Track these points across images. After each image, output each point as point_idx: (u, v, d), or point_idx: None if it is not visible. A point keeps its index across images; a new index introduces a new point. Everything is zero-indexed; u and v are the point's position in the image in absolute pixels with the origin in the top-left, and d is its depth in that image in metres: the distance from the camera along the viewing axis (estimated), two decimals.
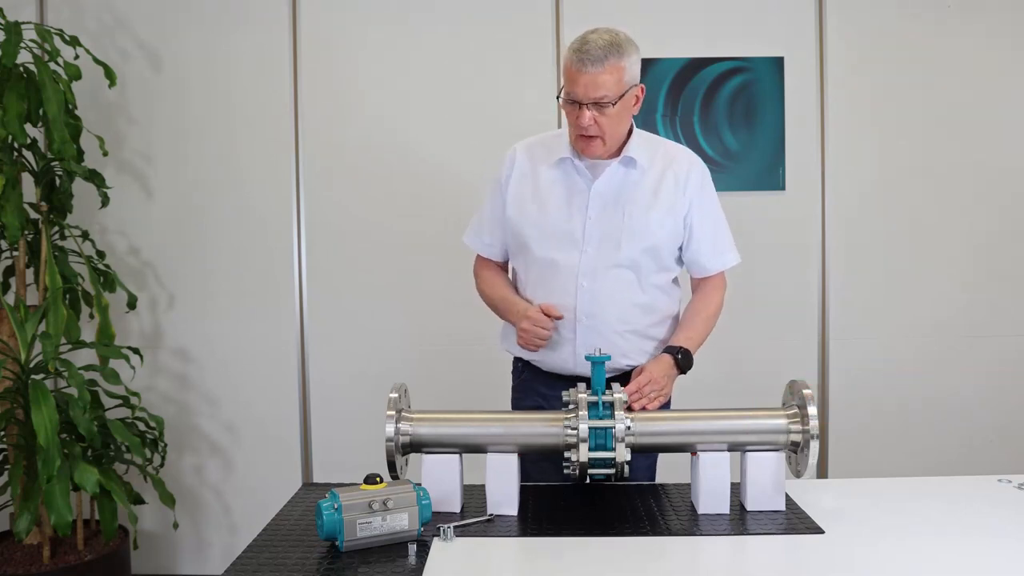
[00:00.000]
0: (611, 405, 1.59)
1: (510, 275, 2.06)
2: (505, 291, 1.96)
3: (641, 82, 1.82)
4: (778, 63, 3.12)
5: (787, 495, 1.64)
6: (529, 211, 1.90)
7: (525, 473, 1.75)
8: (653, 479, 1.95)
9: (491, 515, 1.60)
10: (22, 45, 2.65)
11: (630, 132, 1.88)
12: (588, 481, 1.63)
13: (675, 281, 1.99)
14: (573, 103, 1.77)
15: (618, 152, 1.87)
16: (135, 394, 2.82)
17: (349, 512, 1.43)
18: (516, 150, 1.97)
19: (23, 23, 2.69)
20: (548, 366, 1.93)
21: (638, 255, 1.86)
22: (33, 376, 2.62)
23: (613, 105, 1.76)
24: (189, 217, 3.15)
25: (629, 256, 1.85)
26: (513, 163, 1.95)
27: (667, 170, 1.89)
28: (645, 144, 1.91)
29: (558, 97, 1.82)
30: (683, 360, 1.83)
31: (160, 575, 3.22)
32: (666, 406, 2.00)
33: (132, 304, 2.96)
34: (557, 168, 1.90)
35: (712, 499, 1.60)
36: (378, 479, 1.49)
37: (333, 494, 1.45)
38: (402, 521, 1.47)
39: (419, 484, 1.54)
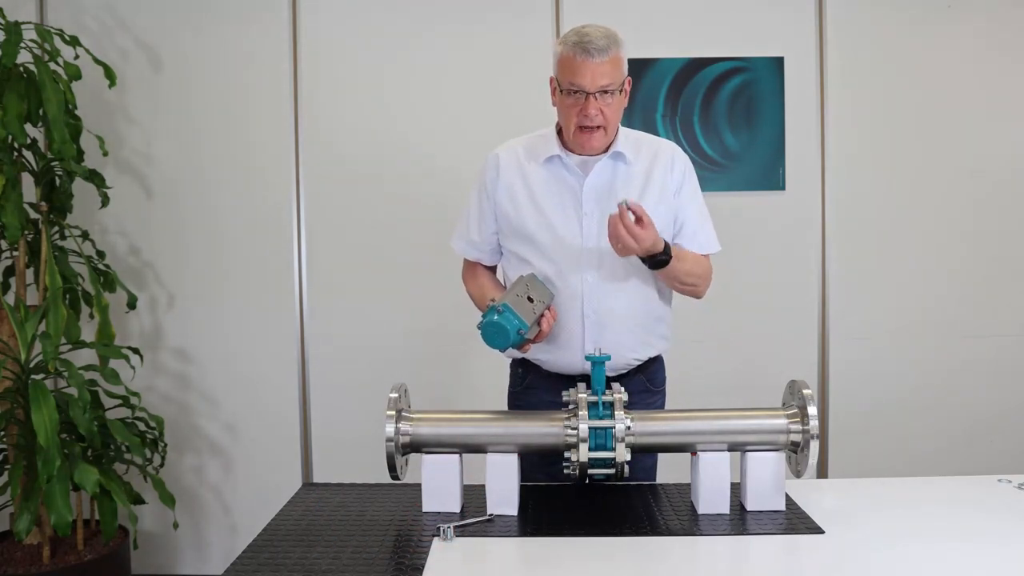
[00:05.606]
0: (611, 405, 1.59)
1: (501, 276, 2.05)
2: (496, 293, 1.94)
3: (635, 81, 1.83)
4: (778, 63, 3.12)
5: (787, 495, 1.63)
6: (526, 211, 1.90)
7: (525, 473, 1.75)
8: (653, 479, 1.95)
9: (491, 515, 1.60)
10: (22, 45, 2.65)
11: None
12: (588, 481, 1.63)
13: None
14: (575, 94, 1.78)
15: (605, 149, 1.89)
16: (135, 394, 2.81)
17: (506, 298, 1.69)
18: (498, 154, 1.96)
19: (23, 23, 2.69)
20: (553, 366, 1.92)
21: None
22: (33, 376, 2.62)
23: (620, 92, 1.81)
24: (189, 217, 3.15)
25: None
26: (498, 166, 1.94)
27: (653, 161, 1.92)
28: (629, 139, 1.93)
29: (560, 91, 1.82)
30: (664, 252, 1.77)
31: (160, 575, 3.22)
32: (662, 406, 1.99)
33: (132, 304, 2.96)
34: (546, 167, 1.90)
35: (712, 499, 1.60)
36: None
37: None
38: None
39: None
